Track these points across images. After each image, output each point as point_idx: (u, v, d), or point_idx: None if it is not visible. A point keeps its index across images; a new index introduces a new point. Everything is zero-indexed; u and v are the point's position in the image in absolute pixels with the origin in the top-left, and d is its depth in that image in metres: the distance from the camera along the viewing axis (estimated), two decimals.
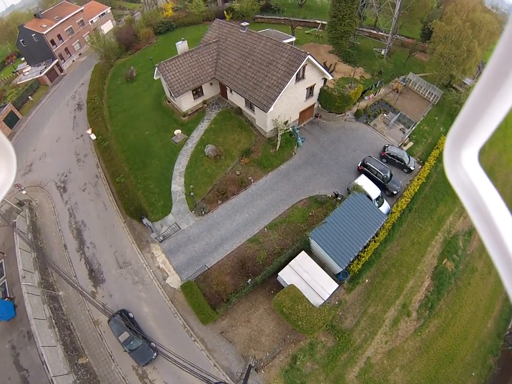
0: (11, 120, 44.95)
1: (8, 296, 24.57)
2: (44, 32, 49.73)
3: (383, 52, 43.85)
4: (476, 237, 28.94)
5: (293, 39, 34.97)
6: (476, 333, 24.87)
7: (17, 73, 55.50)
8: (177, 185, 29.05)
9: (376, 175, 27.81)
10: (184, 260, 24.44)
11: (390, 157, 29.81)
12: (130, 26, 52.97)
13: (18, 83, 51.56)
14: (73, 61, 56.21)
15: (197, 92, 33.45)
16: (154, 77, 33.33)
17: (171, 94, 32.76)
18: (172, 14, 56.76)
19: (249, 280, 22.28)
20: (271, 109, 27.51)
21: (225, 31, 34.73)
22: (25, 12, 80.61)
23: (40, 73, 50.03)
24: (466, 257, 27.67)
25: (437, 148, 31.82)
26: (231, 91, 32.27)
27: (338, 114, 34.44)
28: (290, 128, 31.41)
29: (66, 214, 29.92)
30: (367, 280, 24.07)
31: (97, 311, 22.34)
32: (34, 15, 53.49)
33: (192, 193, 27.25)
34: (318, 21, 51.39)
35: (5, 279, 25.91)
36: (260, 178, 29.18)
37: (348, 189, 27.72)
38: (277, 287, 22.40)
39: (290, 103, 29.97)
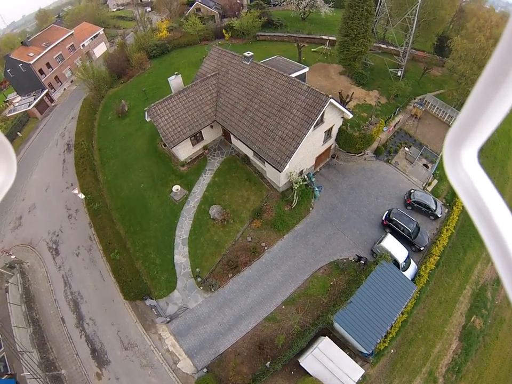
0: None
1: (8, 372, 20.85)
2: (31, 62, 42.60)
3: (399, 73, 36.71)
4: None
5: (306, 69, 28.02)
6: None
7: (8, 103, 48.70)
8: (181, 256, 23.32)
9: (402, 230, 22.77)
10: (196, 342, 20.20)
11: (416, 205, 24.40)
12: (122, 51, 45.48)
13: (7, 115, 44.88)
14: (65, 89, 48.93)
15: (196, 137, 26.71)
16: (146, 119, 26.60)
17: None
18: (167, 34, 49.14)
19: (268, 363, 19.11)
20: (287, 167, 20.99)
21: (225, 62, 27.75)
22: (19, 35, 72.50)
23: (29, 105, 43.24)
24: (495, 309, 23.44)
25: None
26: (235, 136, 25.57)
27: (358, 154, 27.89)
28: (306, 177, 24.95)
29: (60, 282, 25.26)
30: (392, 351, 20.29)
31: None
32: (21, 42, 46.08)
33: (199, 279, 22.04)
34: (324, 37, 43.96)
35: (4, 352, 21.96)
36: (274, 244, 23.35)
37: (372, 250, 22.68)
38: (297, 368, 18.91)
39: (306, 151, 23.41)
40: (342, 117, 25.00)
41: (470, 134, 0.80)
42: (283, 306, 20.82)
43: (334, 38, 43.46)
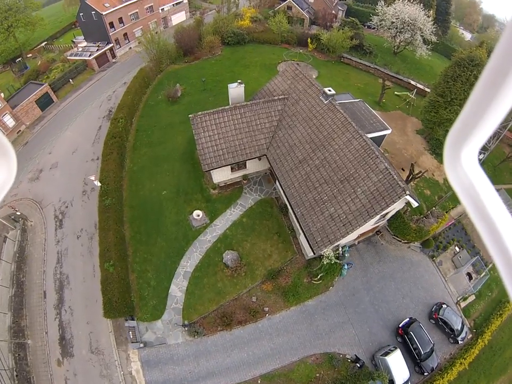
0: (45, 102, 36.48)
1: None
2: (104, 13, 38.97)
3: (481, 157, 30.25)
4: None
5: (388, 131, 22.59)
6: None
7: (74, 44, 46.02)
8: (178, 290, 20.51)
9: (414, 348, 19.14)
10: (159, 379, 18.31)
11: (440, 322, 20.38)
12: (197, 28, 40.92)
13: (68, 57, 42.22)
14: (130, 48, 45.21)
15: (238, 164, 22.40)
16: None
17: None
18: (248, 24, 43.92)
19: None
20: (324, 251, 16.54)
21: (299, 87, 22.74)
22: None
23: (89, 56, 40.18)
24: None
25: (501, 314, 21.50)
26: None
27: (404, 241, 23.08)
28: (341, 250, 20.48)
29: (54, 257, 23.44)
30: None
31: (59, 379, 18.67)
32: None
33: (186, 328, 19.26)
34: (412, 82, 37.59)
35: None
36: (278, 312, 19.94)
37: (373, 357, 19.15)
38: None
39: None
40: (406, 203, 19.91)
41: (470, 135, 0.77)
42: (259, 381, 18.18)
43: (421, 86, 37.37)
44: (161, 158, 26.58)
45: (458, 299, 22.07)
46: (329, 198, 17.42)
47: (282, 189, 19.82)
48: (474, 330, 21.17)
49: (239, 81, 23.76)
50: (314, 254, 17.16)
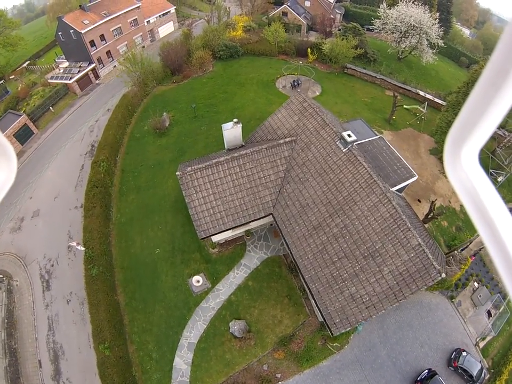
0: (24, 135, 32.70)
1: None
2: (83, 31, 34.62)
3: (499, 179, 26.98)
4: None
5: (414, 178, 18.93)
6: None
7: (56, 64, 41.56)
8: (183, 362, 18.00)
9: None
10: None
11: (460, 370, 18.25)
12: (184, 43, 36.36)
13: (49, 81, 38.02)
14: (115, 66, 40.71)
15: None
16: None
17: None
18: (241, 35, 39.46)
19: None
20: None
21: (309, 126, 18.54)
22: None
23: (70, 79, 35.93)
24: None
25: None
26: None
27: None
28: None
29: (45, 323, 20.64)
30: None
31: None
32: (80, 6, 37.66)
33: None
34: (421, 93, 33.80)
35: None
36: (290, 377, 17.81)
37: None
38: None
39: None
40: None
41: (471, 135, 0.75)
42: None
43: (430, 96, 33.67)
44: (151, 208, 23.19)
45: (477, 340, 20.01)
46: (350, 276, 14.29)
47: (294, 260, 16.53)
48: (492, 371, 19.12)
49: (235, 120, 19.91)
50: (332, 335, 14.20)
